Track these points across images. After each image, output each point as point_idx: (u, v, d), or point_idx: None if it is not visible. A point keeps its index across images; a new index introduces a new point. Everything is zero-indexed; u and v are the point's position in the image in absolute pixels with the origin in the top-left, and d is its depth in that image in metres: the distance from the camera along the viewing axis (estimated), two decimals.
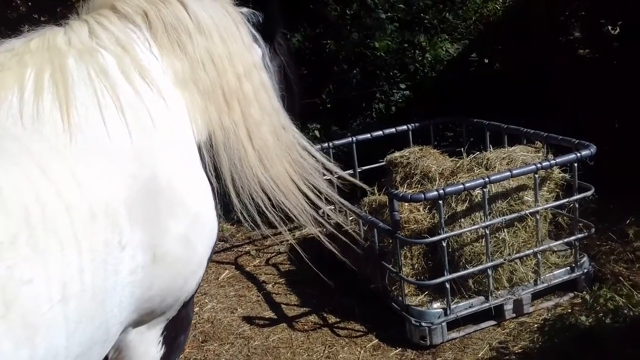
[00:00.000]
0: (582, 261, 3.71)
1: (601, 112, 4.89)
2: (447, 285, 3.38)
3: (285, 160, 2.06)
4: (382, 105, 6.87)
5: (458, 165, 4.06)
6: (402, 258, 3.53)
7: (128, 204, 1.53)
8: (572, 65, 5.27)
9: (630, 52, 4.80)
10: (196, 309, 4.23)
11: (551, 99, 5.20)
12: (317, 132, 6.55)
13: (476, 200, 3.55)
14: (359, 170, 4.74)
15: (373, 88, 6.84)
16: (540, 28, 5.47)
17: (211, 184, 1.88)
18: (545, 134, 3.98)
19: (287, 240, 5.37)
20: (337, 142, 4.71)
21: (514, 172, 3.38)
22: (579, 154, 3.50)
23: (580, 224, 3.70)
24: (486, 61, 6.53)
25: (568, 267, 3.70)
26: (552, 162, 3.47)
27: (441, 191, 3.23)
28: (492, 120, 4.58)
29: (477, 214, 3.56)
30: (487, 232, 3.39)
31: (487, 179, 3.30)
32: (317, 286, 4.35)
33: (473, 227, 3.41)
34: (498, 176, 3.35)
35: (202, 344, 3.78)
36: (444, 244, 3.34)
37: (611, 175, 4.26)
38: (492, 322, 3.55)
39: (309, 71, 6.86)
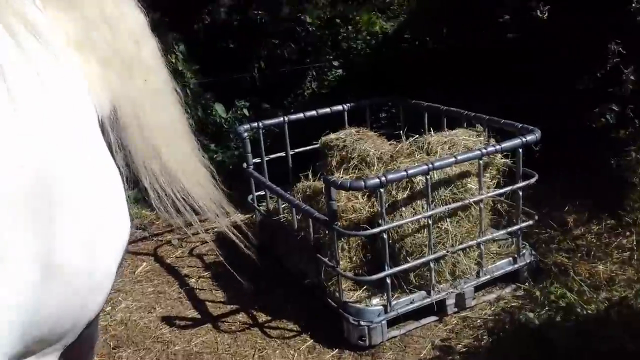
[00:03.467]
0: (523, 252, 3.56)
1: (535, 96, 4.78)
2: (388, 281, 3.11)
3: (189, 140, 1.76)
4: (315, 85, 6.53)
5: (397, 149, 3.79)
6: (339, 251, 3.22)
7: (9, 200, 1.11)
8: (504, 48, 5.12)
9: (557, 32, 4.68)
10: (107, 309, 3.76)
11: (487, 81, 5.04)
12: (245, 110, 6.13)
13: (418, 188, 3.29)
14: (292, 152, 4.39)
15: (306, 65, 6.48)
16: (472, 9, 5.28)
17: (120, 170, 1.51)
18: (487, 117, 3.78)
19: (214, 228, 4.99)
20: (267, 122, 4.32)
21: (459, 157, 3.14)
22: (524, 139, 3.31)
23: (522, 213, 3.53)
24: (417, 43, 6.31)
25: (510, 258, 3.54)
26: (498, 147, 3.26)
27: (383, 178, 2.94)
28: (429, 102, 4.35)
29: (418, 202, 3.31)
30: (430, 222, 3.15)
31: (430, 165, 3.04)
32: (250, 276, 4.01)
33: (416, 217, 3.16)
34: (442, 162, 3.10)
35: (114, 351, 3.34)
36: (385, 236, 3.06)
37: (547, 160, 4.13)
38: (434, 318, 3.34)
39: (237, 45, 6.40)
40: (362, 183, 2.92)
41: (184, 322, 3.57)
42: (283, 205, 3.81)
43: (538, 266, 3.61)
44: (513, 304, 3.35)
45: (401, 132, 4.08)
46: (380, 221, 3.08)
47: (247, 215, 4.88)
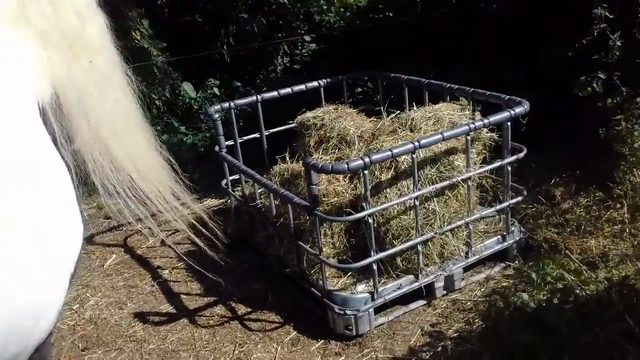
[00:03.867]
0: (512, 229, 3.42)
1: (518, 66, 4.60)
2: (374, 267, 2.94)
3: (143, 131, 1.55)
4: (287, 60, 6.26)
5: (379, 126, 3.59)
6: (321, 237, 3.03)
7: None
8: (482, 16, 4.91)
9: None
10: (75, 306, 3.53)
11: (466, 53, 4.84)
12: (216, 89, 5.85)
13: (402, 168, 3.11)
14: (267, 133, 4.15)
15: (277, 39, 6.20)
16: None
17: (68, 165, 1.30)
18: (471, 89, 3.59)
19: (190, 213, 4.74)
20: (239, 102, 4.06)
21: (445, 134, 2.95)
22: (512, 112, 3.13)
23: (510, 189, 3.38)
24: (390, 15, 6.05)
25: (499, 236, 3.40)
26: (486, 121, 3.08)
27: (366, 159, 2.74)
28: (407, 75, 4.14)
29: (404, 182, 3.13)
30: (417, 203, 2.97)
31: (416, 144, 2.85)
32: (227, 267, 3.80)
33: (402, 199, 2.97)
34: (428, 139, 2.91)
35: (83, 353, 3.12)
36: (370, 221, 2.87)
37: (534, 132, 3.98)
38: (423, 302, 3.19)
39: (204, 19, 6.07)
40: (345, 166, 2.71)
41: (158, 318, 3.36)
42: (260, 190, 3.59)
43: (527, 243, 3.48)
44: (503, 284, 3.22)
45: (382, 108, 3.88)
46: (364, 204, 2.89)
47: (221, 200, 4.66)
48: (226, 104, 3.98)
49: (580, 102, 3.80)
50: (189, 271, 3.84)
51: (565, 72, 3.94)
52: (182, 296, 3.55)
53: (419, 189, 2.99)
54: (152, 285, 3.72)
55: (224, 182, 4.00)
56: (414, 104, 3.71)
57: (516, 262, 3.38)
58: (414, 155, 2.90)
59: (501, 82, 4.65)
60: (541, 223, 3.59)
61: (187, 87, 5.69)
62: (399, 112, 3.76)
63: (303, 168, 2.87)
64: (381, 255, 2.95)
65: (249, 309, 3.34)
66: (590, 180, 3.71)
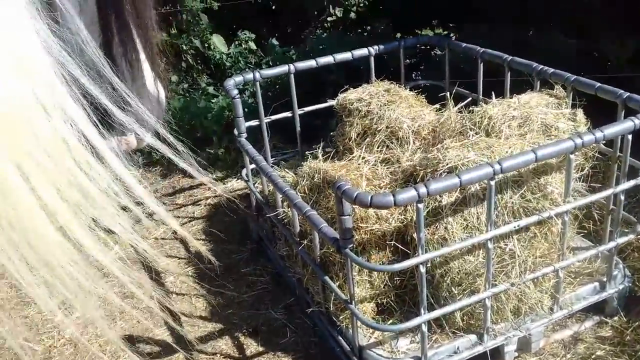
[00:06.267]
0: (615, 272, 2.55)
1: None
2: (424, 328, 2.16)
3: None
4: (339, 10, 5.32)
5: (442, 120, 2.72)
6: (354, 276, 2.26)
7: None
8: None
9: None
10: (58, 317, 2.93)
11: (560, 13, 3.80)
12: (252, 44, 5.00)
13: (472, 190, 2.26)
14: (300, 112, 3.33)
15: None
16: None
17: None
18: (573, 77, 2.64)
19: (213, 196, 4.08)
20: (267, 72, 3.22)
21: (539, 153, 2.06)
22: (636, 121, 2.20)
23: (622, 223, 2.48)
24: None
25: (596, 283, 2.53)
26: (599, 134, 2.16)
27: (422, 189, 1.91)
28: (487, 40, 3.20)
29: (472, 210, 2.28)
30: (491, 245, 2.14)
31: (497, 167, 1.99)
32: (241, 280, 3.14)
33: (469, 242, 2.14)
34: (514, 161, 2.04)
35: None
36: (423, 270, 2.07)
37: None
38: None
39: None
40: (391, 199, 1.89)
41: (150, 348, 2.72)
42: (282, 196, 2.82)
43: (633, 292, 2.61)
44: (598, 353, 2.39)
45: (447, 93, 2.98)
46: (418, 249, 2.07)
47: (245, 186, 3.94)
48: (249, 75, 3.17)
49: None
50: (198, 279, 3.17)
51: None
52: (184, 318, 2.89)
53: (495, 225, 2.15)
54: (150, 297, 3.06)
55: (244, 172, 3.25)
56: (492, 93, 2.77)
57: (616, 317, 2.53)
58: (492, 182, 2.04)
59: (605, 57, 3.64)
60: None
61: (217, 40, 4.88)
62: (469, 100, 2.86)
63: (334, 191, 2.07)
64: (435, 314, 2.17)
65: (262, 347, 2.65)
66: None
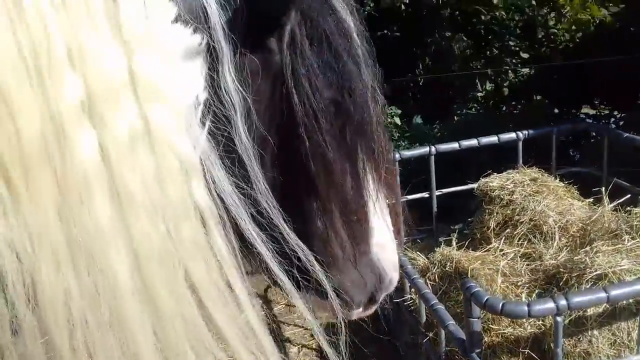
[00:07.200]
0: None
1: None
2: None
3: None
4: (490, 86, 5.20)
5: (594, 218, 2.48)
6: None
7: None
8: None
9: None
10: None
11: None
12: (397, 119, 5.06)
13: (623, 302, 1.99)
14: (438, 193, 3.25)
15: (481, 61, 5.18)
16: None
17: None
18: None
19: None
20: (407, 153, 3.21)
21: None
22: None
23: None
24: None
25: None
26: None
27: (562, 302, 1.72)
28: None
29: (622, 325, 2.01)
30: None
31: None
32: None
33: None
34: None
35: None
36: None
37: None
38: None
39: (400, 34, 5.31)
40: (525, 308, 1.73)
41: None
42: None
43: None
44: None
45: (602, 188, 2.71)
46: (553, 357, 1.86)
47: None
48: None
49: None
50: (321, 352, 3.15)
51: None
52: None
53: None
54: None
55: None
56: None
57: None
58: None
59: None
60: None
61: None
62: (629, 196, 2.58)
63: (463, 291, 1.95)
64: None
65: None
66: None
